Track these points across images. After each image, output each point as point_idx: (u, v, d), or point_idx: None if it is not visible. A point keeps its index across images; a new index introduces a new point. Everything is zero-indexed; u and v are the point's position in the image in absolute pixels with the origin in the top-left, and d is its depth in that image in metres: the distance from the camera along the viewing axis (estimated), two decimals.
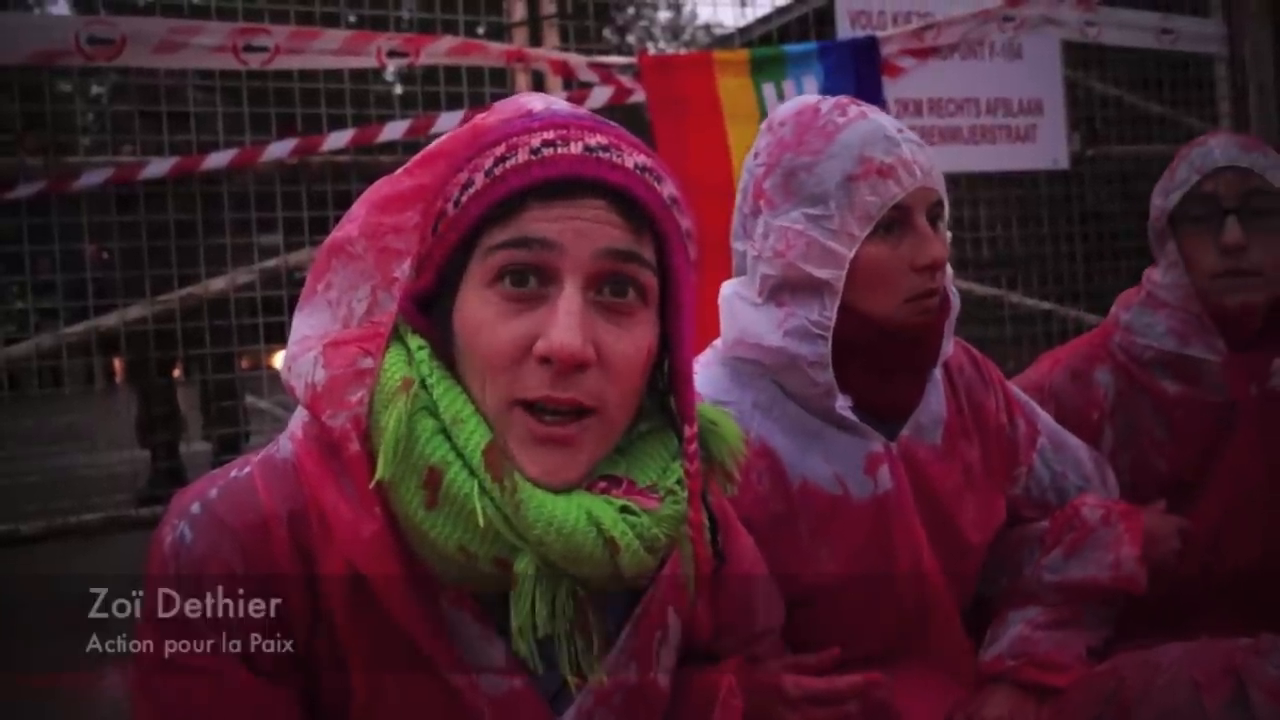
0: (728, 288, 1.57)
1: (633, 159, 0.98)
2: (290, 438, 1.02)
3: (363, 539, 0.94)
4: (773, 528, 1.46)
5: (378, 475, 0.92)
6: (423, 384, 0.96)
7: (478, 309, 0.95)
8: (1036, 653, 1.57)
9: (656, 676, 1.12)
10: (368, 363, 0.98)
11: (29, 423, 4.35)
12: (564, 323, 0.92)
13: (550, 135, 0.97)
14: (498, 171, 0.96)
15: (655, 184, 0.99)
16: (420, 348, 0.98)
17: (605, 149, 0.97)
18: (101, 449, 4.64)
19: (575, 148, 0.96)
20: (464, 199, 0.97)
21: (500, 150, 0.97)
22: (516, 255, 0.94)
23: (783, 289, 1.47)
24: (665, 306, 1.02)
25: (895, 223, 1.43)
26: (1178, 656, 1.45)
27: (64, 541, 3.88)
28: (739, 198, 1.56)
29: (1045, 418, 1.74)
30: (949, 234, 1.50)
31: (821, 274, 1.43)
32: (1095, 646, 1.63)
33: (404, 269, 1.04)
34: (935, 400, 1.57)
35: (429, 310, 1.01)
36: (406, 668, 1.00)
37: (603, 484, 0.97)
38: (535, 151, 0.96)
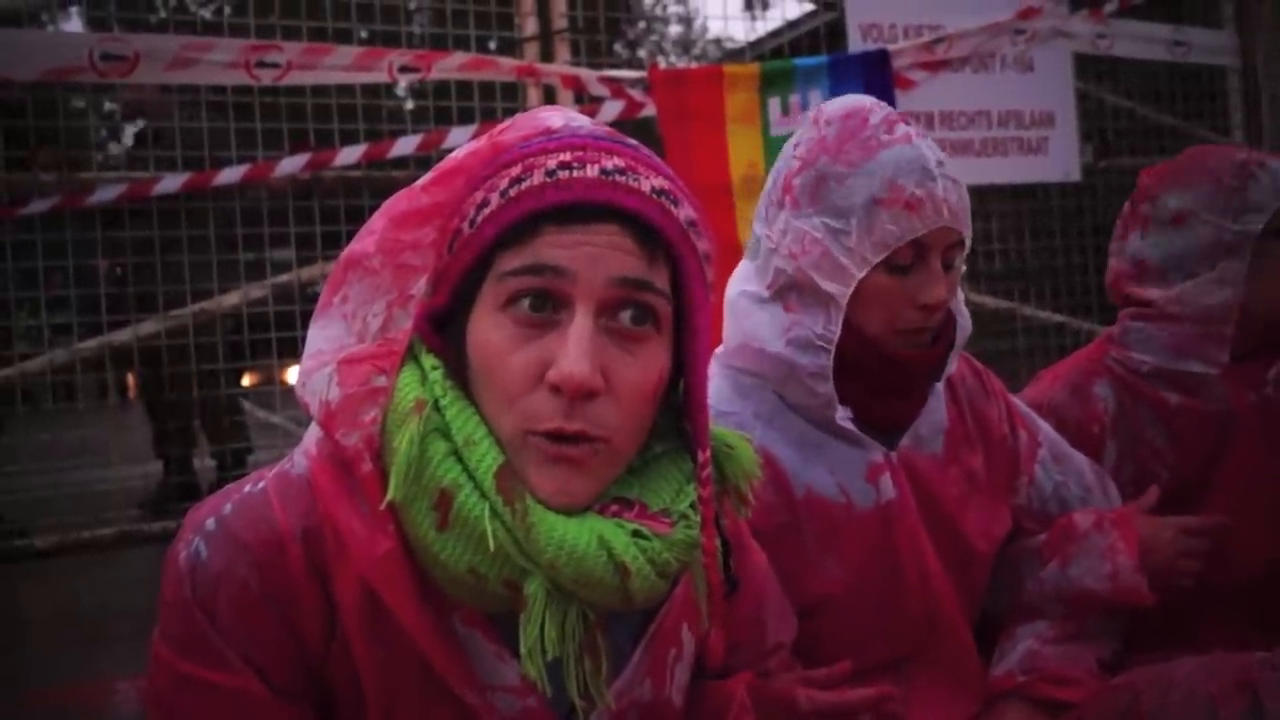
0: (733, 288, 1.56)
1: (650, 182, 0.97)
2: (305, 454, 1.02)
3: (376, 557, 0.94)
4: (778, 538, 1.45)
5: (388, 497, 0.92)
6: (436, 405, 0.96)
7: (490, 332, 0.95)
8: (1047, 668, 1.56)
9: (671, 695, 1.12)
10: (382, 381, 0.98)
11: (43, 437, 4.37)
12: (574, 351, 0.91)
13: (566, 157, 0.96)
14: (513, 193, 0.96)
15: (672, 207, 0.97)
16: (434, 367, 0.98)
17: (622, 172, 0.96)
18: (115, 463, 4.66)
19: (591, 171, 0.95)
20: (479, 219, 0.97)
21: (516, 171, 0.97)
22: (529, 282, 0.94)
23: (791, 290, 1.47)
24: (681, 330, 1.01)
25: (908, 261, 1.42)
26: (1192, 670, 1.44)
27: (77, 556, 3.90)
28: (769, 181, 1.54)
29: (1046, 429, 1.74)
30: (963, 267, 1.50)
31: (828, 287, 1.42)
32: (1105, 658, 1.62)
33: (420, 286, 1.04)
34: (936, 410, 1.57)
35: (444, 328, 1.01)
36: (421, 686, 0.99)
37: (615, 507, 0.96)
38: (550, 174, 0.95)
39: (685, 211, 0.99)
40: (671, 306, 0.99)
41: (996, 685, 1.57)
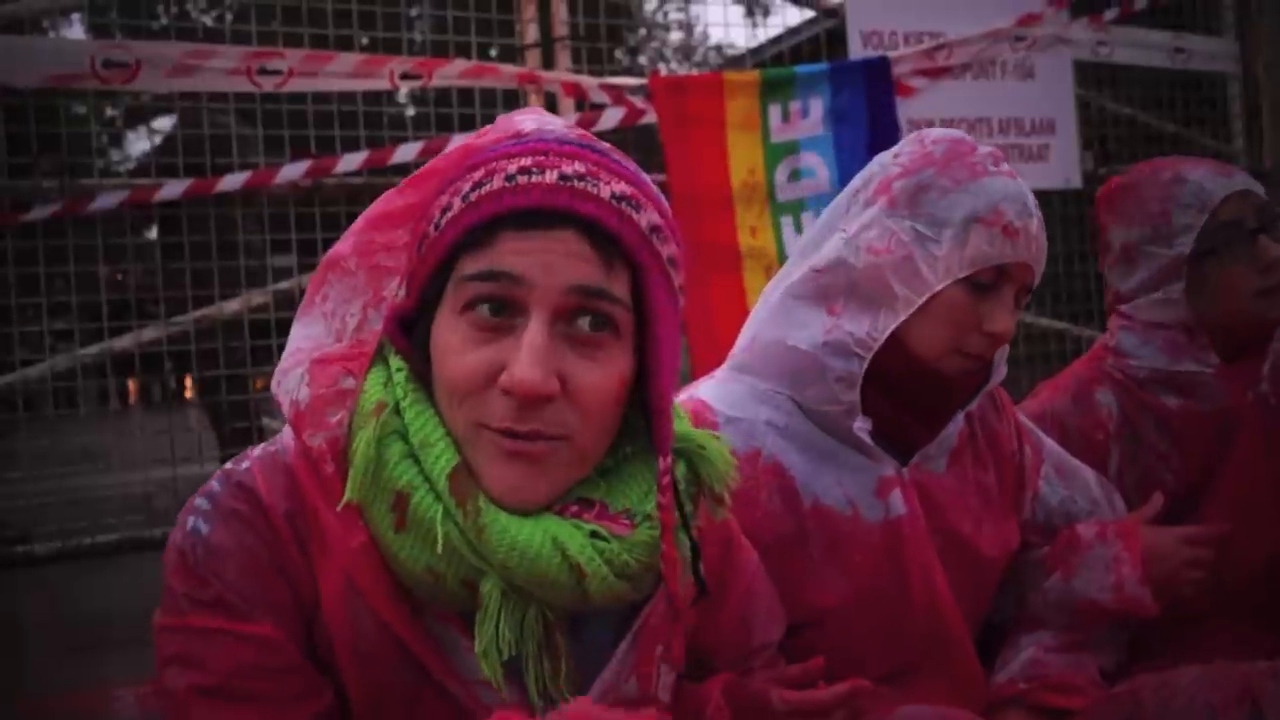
0: (776, 287, 1.56)
1: (610, 187, 0.97)
2: (284, 447, 1.04)
3: (352, 548, 0.96)
4: (783, 547, 1.45)
5: (345, 498, 0.94)
6: (396, 407, 0.97)
7: (449, 335, 0.96)
8: (1049, 675, 1.56)
9: (657, 693, 1.11)
10: (350, 383, 1.00)
11: (44, 443, 4.37)
12: (526, 357, 0.92)
13: (527, 161, 0.97)
14: (473, 197, 0.96)
15: (633, 213, 0.97)
16: (399, 369, 1.00)
17: (581, 177, 0.96)
18: (116, 470, 4.65)
19: (550, 176, 0.95)
20: (443, 222, 0.98)
21: (478, 175, 0.98)
22: (485, 288, 0.94)
23: (842, 293, 1.47)
24: (645, 336, 1.00)
25: (990, 282, 1.44)
26: (1194, 679, 1.44)
27: (78, 562, 3.89)
28: (855, 181, 1.55)
29: (1050, 444, 1.74)
30: (1022, 313, 1.51)
31: (900, 291, 1.42)
32: (1107, 668, 1.62)
33: (393, 287, 1.07)
34: (950, 429, 1.57)
35: (413, 329, 1.02)
36: (404, 674, 1.00)
37: (575, 508, 0.97)
38: (510, 178, 0.96)
39: (648, 217, 0.99)
40: (631, 313, 0.98)
41: (998, 693, 1.57)
